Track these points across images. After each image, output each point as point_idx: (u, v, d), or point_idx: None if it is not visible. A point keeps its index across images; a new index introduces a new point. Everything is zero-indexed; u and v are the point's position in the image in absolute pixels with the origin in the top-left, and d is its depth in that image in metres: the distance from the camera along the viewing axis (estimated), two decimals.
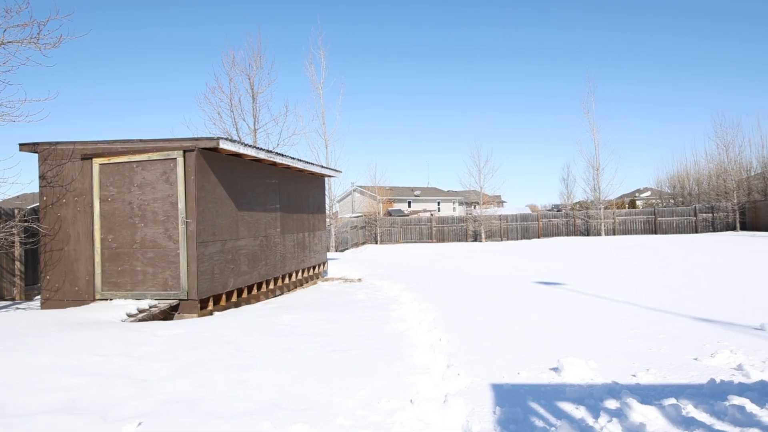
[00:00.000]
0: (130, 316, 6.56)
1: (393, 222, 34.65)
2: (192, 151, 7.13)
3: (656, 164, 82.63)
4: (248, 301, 8.60)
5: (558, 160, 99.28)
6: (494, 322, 6.68)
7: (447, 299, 8.63)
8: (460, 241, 33.61)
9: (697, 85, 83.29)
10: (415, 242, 33.97)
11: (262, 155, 8.37)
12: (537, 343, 5.42)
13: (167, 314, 7.04)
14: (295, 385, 4.04)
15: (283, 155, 9.23)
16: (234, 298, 8.17)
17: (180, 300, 7.18)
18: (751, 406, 3.13)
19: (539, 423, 3.22)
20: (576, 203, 43.90)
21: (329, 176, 13.32)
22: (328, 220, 25.23)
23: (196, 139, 7.19)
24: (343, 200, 63.56)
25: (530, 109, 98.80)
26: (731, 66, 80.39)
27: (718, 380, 3.73)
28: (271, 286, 9.54)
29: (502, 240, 33.01)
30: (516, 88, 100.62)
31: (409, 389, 3.97)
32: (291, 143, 23.21)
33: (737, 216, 30.04)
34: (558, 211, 41.01)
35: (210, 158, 7.45)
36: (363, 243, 33.76)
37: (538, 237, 32.82)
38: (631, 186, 73.00)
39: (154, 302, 7.09)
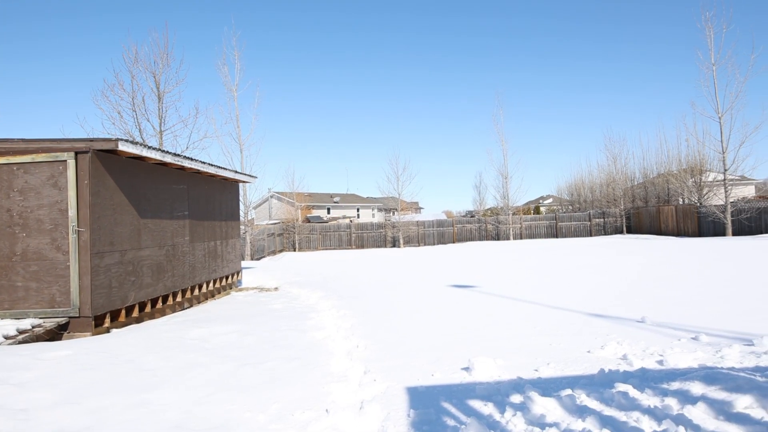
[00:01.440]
0: (7, 338, 5.78)
1: (312, 229, 34.19)
2: (86, 152, 6.48)
3: (557, 173, 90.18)
4: (152, 316, 7.97)
5: (471, 167, 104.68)
6: (411, 325, 6.82)
7: (365, 305, 8.66)
8: (379, 247, 33.98)
9: (591, 100, 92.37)
10: (334, 249, 33.78)
11: (168, 159, 7.84)
12: (451, 344, 5.61)
13: (54, 334, 6.31)
14: (202, 404, 3.80)
15: (192, 159, 8.73)
16: (135, 313, 7.53)
17: (70, 318, 6.47)
18: (633, 392, 3.48)
19: (451, 422, 3.31)
20: (488, 209, 46.39)
21: (244, 182, 12.82)
22: (243, 227, 24.27)
23: (91, 140, 6.56)
24: (259, 207, 61.59)
25: (446, 116, 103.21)
26: (620, 84, 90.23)
27: (606, 370, 4.10)
28: (179, 299, 8.94)
29: (419, 245, 33.90)
30: (432, 95, 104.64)
31: (325, 398, 3.91)
32: (202, 147, 22.06)
33: (624, 220, 33.60)
34: (471, 217, 43.08)
35: (108, 161, 6.83)
36: (281, 250, 32.91)
37: (454, 242, 34.19)
38: (535, 193, 78.90)
39: (38, 321, 6.32)
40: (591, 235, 33.87)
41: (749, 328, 5.55)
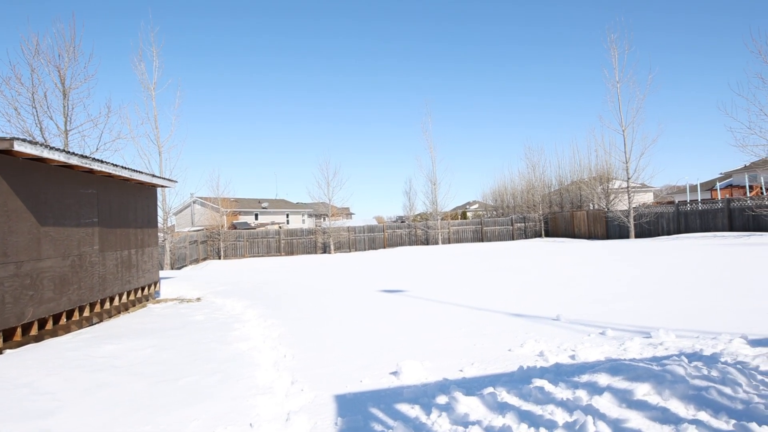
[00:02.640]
0: None
1: (238, 235, 32.97)
2: None
3: (483, 179, 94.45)
4: (55, 333, 7.23)
5: (402, 173, 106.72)
6: (341, 332, 6.76)
7: (294, 313, 8.47)
8: (309, 253, 33.51)
9: (513, 105, 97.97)
10: (262, 256, 32.82)
11: (74, 161, 7.17)
12: (380, 349, 5.63)
13: None
14: (112, 427, 3.50)
15: (102, 162, 8.06)
16: (34, 331, 6.79)
17: None
18: (548, 386, 3.69)
19: (378, 427, 3.31)
20: (417, 215, 47.45)
21: (162, 186, 12.07)
22: (161, 234, 22.86)
23: None
24: (181, 213, 58.38)
25: (377, 121, 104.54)
26: (540, 93, 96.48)
27: (525, 367, 4.32)
28: (87, 313, 8.18)
29: (350, 251, 33.88)
30: (363, 100, 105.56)
31: (249, 412, 3.75)
32: (115, 148, 20.44)
33: (542, 225, 35.83)
34: (402, 222, 43.81)
35: (1, 163, 6.12)
36: (204, 259, 31.41)
37: (384, 247, 34.54)
38: (463, 199, 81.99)
39: None
40: (513, 239, 35.76)
41: (648, 321, 6.12)
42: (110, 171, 8.37)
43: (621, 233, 27.57)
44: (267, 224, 54.99)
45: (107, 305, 8.90)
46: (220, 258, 32.11)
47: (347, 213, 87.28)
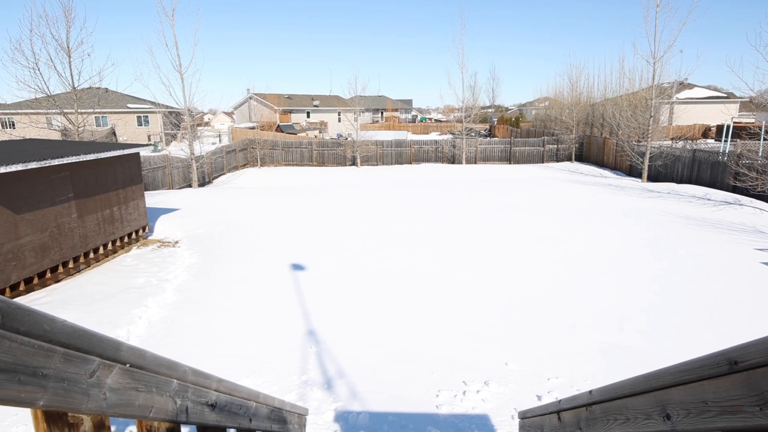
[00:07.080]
0: None
1: (274, 144, 35.46)
2: None
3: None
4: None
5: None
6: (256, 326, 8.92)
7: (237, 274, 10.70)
8: (339, 164, 35.52)
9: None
10: (296, 165, 35.41)
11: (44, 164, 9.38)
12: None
13: None
14: None
15: (77, 154, 10.16)
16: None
17: None
18: None
19: None
20: (479, 109, 46.13)
21: (134, 152, 14.20)
22: (185, 152, 25.55)
23: None
24: (240, 107, 61.77)
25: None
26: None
27: None
28: (72, 265, 11.06)
29: (378, 164, 35.40)
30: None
31: None
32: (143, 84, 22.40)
33: (575, 148, 34.37)
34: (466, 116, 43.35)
35: None
36: (244, 165, 34.65)
37: (410, 162, 35.63)
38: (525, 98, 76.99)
39: None
40: (543, 161, 35.13)
41: None
42: (79, 159, 10.54)
43: (636, 172, 26.43)
44: (316, 123, 57.07)
45: (91, 255, 11.76)
46: (258, 165, 35.19)
47: (406, 107, 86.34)
